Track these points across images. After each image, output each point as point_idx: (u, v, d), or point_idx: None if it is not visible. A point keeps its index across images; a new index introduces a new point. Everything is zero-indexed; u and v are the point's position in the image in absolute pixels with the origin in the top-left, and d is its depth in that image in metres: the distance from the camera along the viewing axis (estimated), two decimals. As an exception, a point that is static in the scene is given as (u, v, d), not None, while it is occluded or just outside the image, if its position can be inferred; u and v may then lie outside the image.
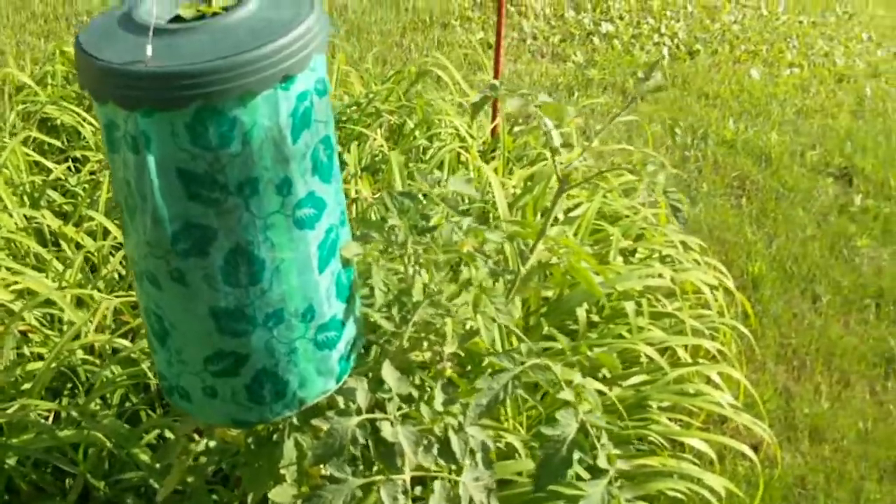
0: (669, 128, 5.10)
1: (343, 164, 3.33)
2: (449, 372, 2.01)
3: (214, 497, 2.15)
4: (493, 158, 3.62)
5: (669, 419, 2.66)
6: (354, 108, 3.80)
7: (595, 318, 2.86)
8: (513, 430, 2.41)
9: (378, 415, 1.80)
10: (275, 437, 1.88)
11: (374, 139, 3.53)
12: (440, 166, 3.34)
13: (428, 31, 6.14)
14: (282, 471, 1.84)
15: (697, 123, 5.20)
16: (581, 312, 2.68)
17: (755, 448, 2.81)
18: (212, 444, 2.11)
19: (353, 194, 3.00)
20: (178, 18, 1.57)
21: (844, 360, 3.39)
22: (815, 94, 5.70)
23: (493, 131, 3.70)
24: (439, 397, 1.93)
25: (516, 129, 3.97)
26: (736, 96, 5.57)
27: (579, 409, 1.90)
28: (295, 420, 1.89)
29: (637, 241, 3.25)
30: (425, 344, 1.97)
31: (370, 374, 1.89)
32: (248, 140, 1.50)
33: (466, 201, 3.06)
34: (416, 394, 1.98)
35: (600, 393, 2.52)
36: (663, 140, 4.99)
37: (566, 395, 1.98)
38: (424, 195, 2.00)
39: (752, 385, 2.82)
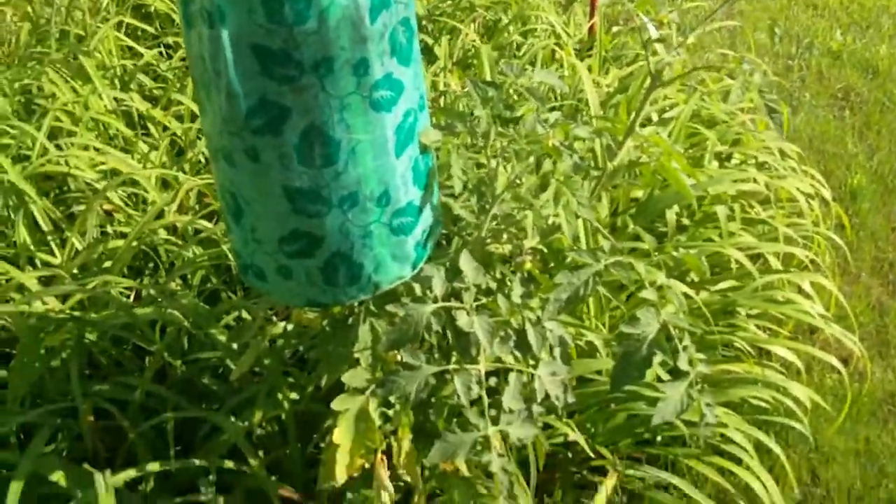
0: (773, 35, 4.92)
1: (434, 57, 3.27)
2: (529, 266, 1.98)
3: (290, 379, 2.17)
4: (588, 57, 3.52)
5: (757, 327, 2.60)
6: (448, 1, 3.73)
7: (685, 221, 2.80)
8: (594, 329, 2.37)
9: (454, 303, 1.78)
10: (350, 320, 1.87)
11: (466, 34, 3.46)
12: (532, 63, 3.27)
13: None
14: (356, 355, 1.83)
15: (804, 33, 5.01)
16: (670, 214, 2.61)
17: (845, 361, 2.75)
18: (289, 326, 2.13)
19: (441, 87, 2.95)
20: None
21: (943, 276, 3.28)
22: (929, 8, 5.44)
23: (591, 29, 3.60)
24: (517, 290, 1.90)
25: (615, 28, 3.85)
26: (845, 7, 5.34)
27: (662, 311, 1.86)
28: (371, 305, 1.88)
29: (733, 146, 3.14)
30: (505, 236, 1.93)
31: (448, 264, 1.87)
32: (324, 18, 1.46)
33: (558, 98, 2.99)
34: (494, 286, 1.96)
35: (686, 296, 2.47)
36: (767, 48, 4.82)
37: (648, 294, 1.93)
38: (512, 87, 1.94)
39: (844, 298, 2.73)
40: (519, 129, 1.81)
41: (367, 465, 1.80)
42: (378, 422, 1.78)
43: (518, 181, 1.78)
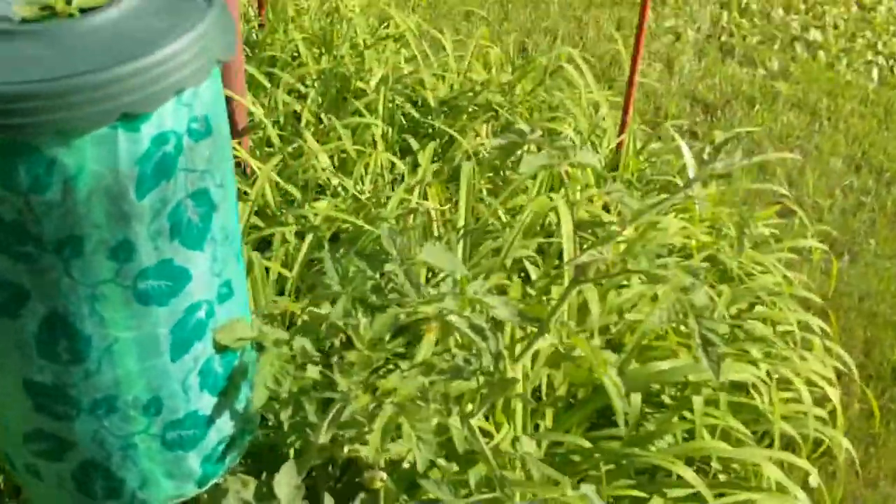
0: (851, 164, 4.43)
1: (415, 165, 2.91)
2: (380, 484, 1.62)
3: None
4: (612, 179, 3.13)
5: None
6: (468, 93, 3.37)
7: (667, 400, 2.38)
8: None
9: (246, 536, 1.43)
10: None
11: (476, 135, 3.10)
12: (526, 188, 2.88)
13: (614, 9, 5.60)
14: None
15: (889, 164, 4.50)
16: (636, 400, 2.19)
17: None
18: None
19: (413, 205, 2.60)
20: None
21: None
22: None
23: (619, 147, 3.20)
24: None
25: (653, 145, 3.43)
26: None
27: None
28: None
29: (748, 311, 2.70)
30: (346, 449, 1.58)
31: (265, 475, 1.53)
32: (70, 188, 1.13)
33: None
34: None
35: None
36: (839, 177, 4.33)
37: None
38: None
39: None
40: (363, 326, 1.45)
41: None
42: None
43: (350, 396, 1.42)
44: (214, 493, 1.48)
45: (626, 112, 3.02)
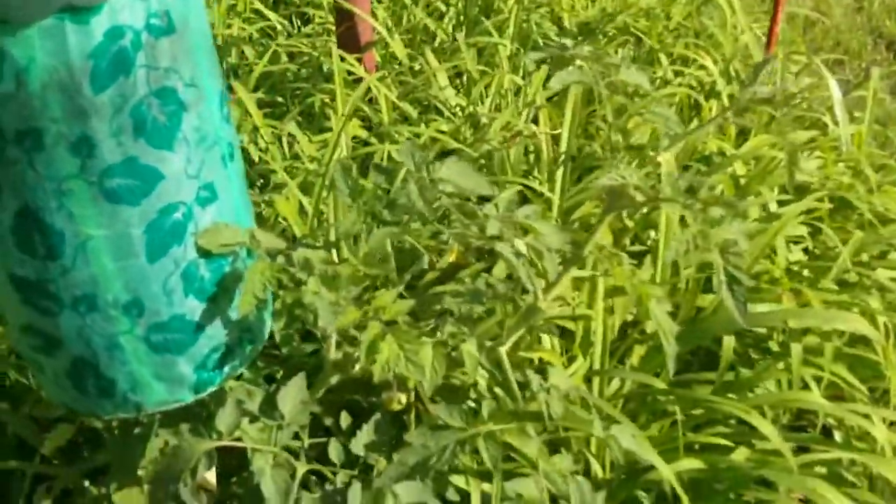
0: None
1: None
2: (398, 406, 1.57)
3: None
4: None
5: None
6: (609, 16, 3.18)
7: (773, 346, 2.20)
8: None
9: (247, 441, 1.42)
10: (138, 430, 1.55)
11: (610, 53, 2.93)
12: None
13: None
14: (140, 472, 1.51)
15: None
16: (728, 342, 2.02)
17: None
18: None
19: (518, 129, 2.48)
20: None
21: None
22: None
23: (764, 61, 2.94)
24: (363, 437, 1.51)
25: (806, 79, 3.13)
26: None
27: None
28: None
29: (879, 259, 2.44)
30: (357, 367, 1.53)
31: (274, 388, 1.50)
32: (23, 80, 1.13)
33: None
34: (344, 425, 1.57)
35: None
36: None
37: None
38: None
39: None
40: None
41: None
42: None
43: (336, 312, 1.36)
44: (216, 400, 1.46)
45: (769, 41, 2.79)
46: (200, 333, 1.37)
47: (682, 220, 2.02)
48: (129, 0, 1.15)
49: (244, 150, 2.47)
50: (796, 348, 2.03)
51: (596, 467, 1.84)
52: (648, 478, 1.83)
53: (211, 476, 1.58)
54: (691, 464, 1.85)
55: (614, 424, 1.54)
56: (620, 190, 1.44)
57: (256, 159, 2.51)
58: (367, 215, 1.45)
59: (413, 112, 2.61)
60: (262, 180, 2.49)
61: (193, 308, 1.34)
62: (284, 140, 2.58)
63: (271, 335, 1.44)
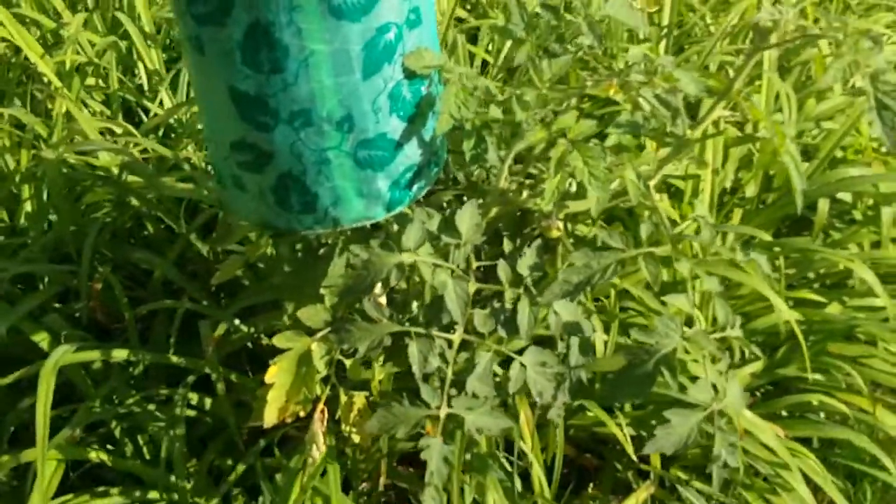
0: None
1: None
2: (557, 233, 1.67)
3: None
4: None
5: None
6: None
7: (857, 215, 2.32)
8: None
9: (428, 258, 1.52)
10: (322, 251, 1.65)
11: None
12: None
13: None
14: (322, 291, 1.62)
15: None
16: (822, 205, 2.15)
17: None
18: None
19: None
20: None
21: None
22: None
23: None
24: (528, 260, 1.61)
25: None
26: None
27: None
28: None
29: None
30: (525, 193, 1.63)
31: (448, 212, 1.60)
32: None
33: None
34: (507, 249, 1.68)
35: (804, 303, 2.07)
36: None
37: (680, 301, 1.60)
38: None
39: None
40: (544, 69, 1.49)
41: (302, 414, 1.60)
42: (324, 370, 1.57)
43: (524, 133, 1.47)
44: (401, 220, 1.56)
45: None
46: (399, 152, 1.46)
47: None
48: None
49: None
50: (887, 211, 2.15)
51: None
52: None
53: (382, 296, 1.69)
54: (791, 315, 1.97)
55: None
56: (769, 28, 1.54)
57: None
58: (539, 48, 1.54)
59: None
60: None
61: (395, 127, 1.44)
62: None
63: (463, 154, 1.54)
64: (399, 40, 1.38)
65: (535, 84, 1.47)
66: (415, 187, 1.53)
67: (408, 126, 1.45)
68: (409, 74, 1.42)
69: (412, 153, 1.48)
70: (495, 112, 1.50)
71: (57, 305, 2.06)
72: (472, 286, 1.57)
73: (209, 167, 2.12)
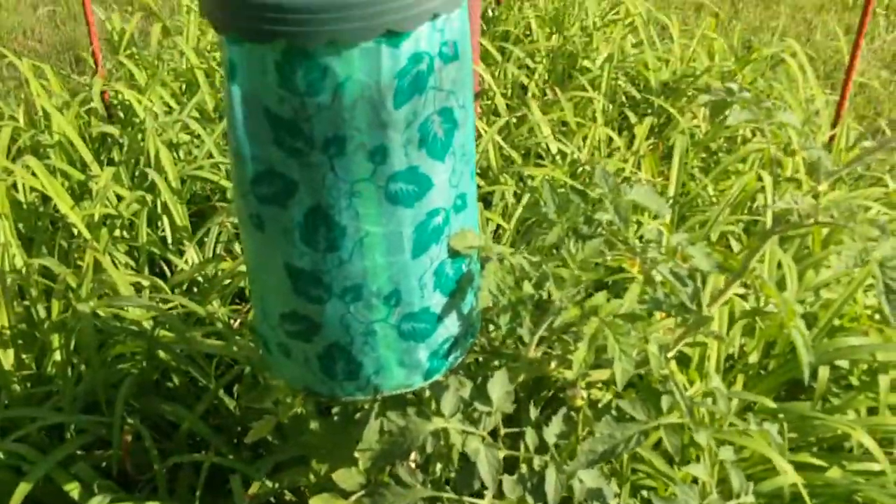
0: None
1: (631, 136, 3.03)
2: (580, 402, 1.75)
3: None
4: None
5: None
6: (689, 77, 3.45)
7: (853, 381, 2.42)
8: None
9: (462, 426, 1.60)
10: (358, 416, 1.72)
11: (693, 117, 3.19)
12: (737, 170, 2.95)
13: (844, 14, 5.52)
14: (356, 454, 1.68)
15: None
16: (823, 373, 2.25)
17: None
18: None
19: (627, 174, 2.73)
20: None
21: None
22: None
23: (831, 141, 3.22)
24: (554, 428, 1.69)
25: (865, 142, 3.40)
26: None
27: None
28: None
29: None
30: (553, 363, 1.72)
31: (480, 380, 1.69)
32: (339, 93, 1.32)
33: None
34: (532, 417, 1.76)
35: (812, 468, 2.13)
36: None
37: (697, 470, 1.67)
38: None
39: None
40: (575, 250, 1.59)
41: (335, 576, 1.64)
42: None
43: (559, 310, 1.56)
44: (437, 388, 1.64)
45: (840, 106, 3.04)
46: (440, 324, 1.55)
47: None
48: (429, 30, 1.34)
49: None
50: (884, 378, 2.25)
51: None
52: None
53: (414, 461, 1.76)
54: (797, 478, 2.03)
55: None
56: (785, 214, 1.66)
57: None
58: (570, 230, 1.65)
59: (518, 157, 2.83)
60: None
61: (438, 301, 1.53)
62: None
63: (498, 327, 1.63)
64: (447, 223, 1.49)
65: (567, 264, 1.57)
66: (451, 357, 1.61)
67: (449, 300, 1.55)
68: (454, 254, 1.52)
69: (451, 325, 1.57)
70: (528, 289, 1.60)
71: (79, 452, 2.11)
72: (502, 453, 1.64)
73: (235, 322, 2.20)
